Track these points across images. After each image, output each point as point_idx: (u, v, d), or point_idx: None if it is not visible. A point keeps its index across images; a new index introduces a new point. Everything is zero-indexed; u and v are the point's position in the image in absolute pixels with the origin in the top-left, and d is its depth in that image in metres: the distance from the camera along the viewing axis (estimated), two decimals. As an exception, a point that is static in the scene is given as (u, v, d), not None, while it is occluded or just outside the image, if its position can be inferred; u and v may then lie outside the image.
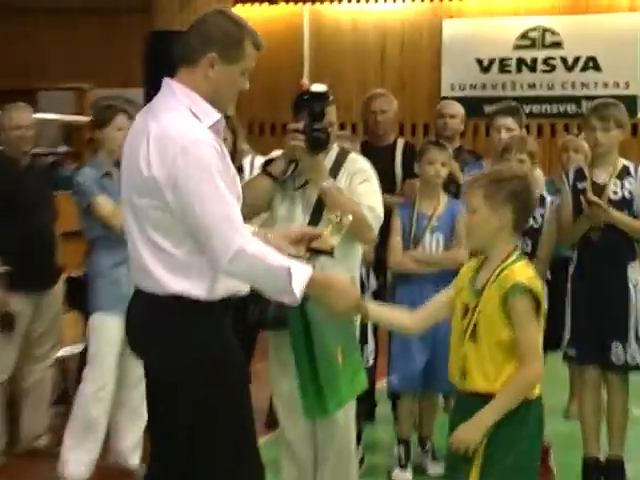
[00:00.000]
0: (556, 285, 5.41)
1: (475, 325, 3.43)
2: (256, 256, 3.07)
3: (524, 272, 3.44)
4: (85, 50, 12.23)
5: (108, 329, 5.17)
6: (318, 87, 4.46)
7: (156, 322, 3.23)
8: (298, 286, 3.09)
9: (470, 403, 3.45)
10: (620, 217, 5.10)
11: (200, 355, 3.18)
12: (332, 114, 4.48)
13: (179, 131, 3.12)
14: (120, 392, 5.34)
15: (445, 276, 5.23)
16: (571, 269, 5.30)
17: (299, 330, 3.46)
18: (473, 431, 3.39)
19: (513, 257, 3.48)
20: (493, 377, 3.41)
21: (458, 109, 6.76)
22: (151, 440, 3.45)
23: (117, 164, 5.32)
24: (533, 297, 3.39)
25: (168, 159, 3.08)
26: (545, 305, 3.47)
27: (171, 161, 3.08)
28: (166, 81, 3.29)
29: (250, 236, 3.15)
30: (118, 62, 11.99)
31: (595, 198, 5.08)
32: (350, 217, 3.60)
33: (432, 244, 5.41)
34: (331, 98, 4.47)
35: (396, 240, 5.42)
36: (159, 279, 3.18)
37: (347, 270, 4.30)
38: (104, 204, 5.17)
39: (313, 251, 3.57)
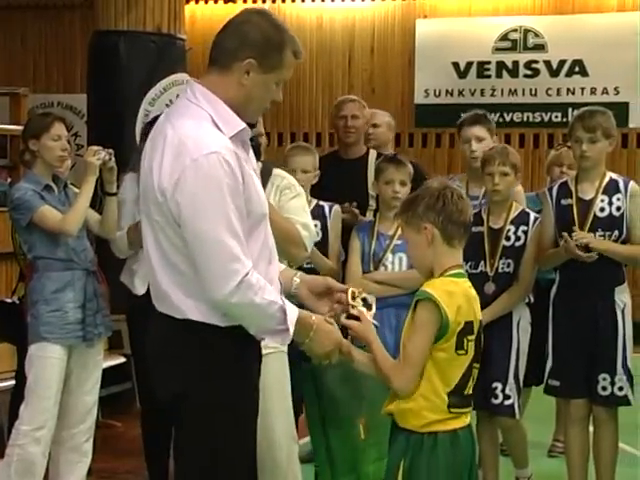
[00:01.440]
0: (539, 309, 5.46)
1: None
2: (254, 290, 3.10)
3: (437, 284, 3.53)
4: (20, 50, 12.18)
5: (50, 361, 5.16)
6: None
7: (173, 348, 3.28)
8: (292, 325, 3.16)
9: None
10: (610, 248, 5.13)
11: (214, 381, 3.23)
12: (261, 124, 4.65)
13: (194, 141, 3.11)
14: (61, 429, 5.32)
15: (406, 302, 5.32)
16: (553, 292, 5.35)
17: (312, 396, 3.52)
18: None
19: (451, 272, 3.57)
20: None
21: (383, 118, 6.88)
22: None
23: (55, 177, 5.35)
24: (437, 309, 3.46)
25: (178, 169, 3.10)
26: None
27: (180, 172, 3.09)
28: (190, 83, 3.30)
29: (251, 266, 3.14)
30: (58, 64, 11.97)
31: (583, 238, 5.12)
32: (372, 298, 3.63)
33: (394, 264, 5.46)
34: None
35: (354, 262, 5.48)
36: (176, 303, 3.21)
37: None
38: (50, 213, 5.17)
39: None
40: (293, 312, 3.19)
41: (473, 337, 3.52)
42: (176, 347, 3.27)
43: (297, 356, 4.39)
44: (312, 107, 10.74)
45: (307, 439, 5.90)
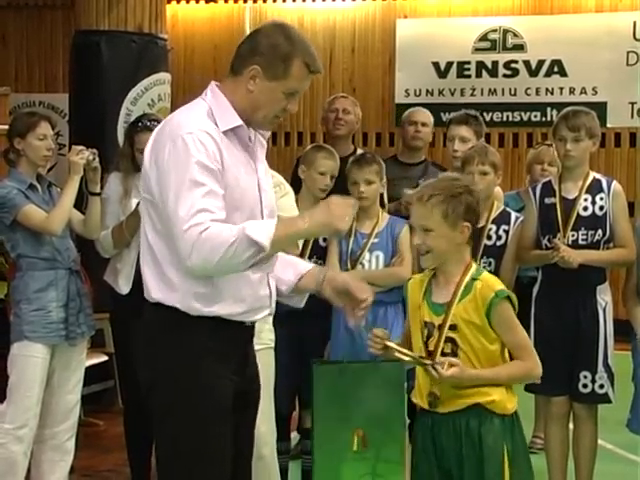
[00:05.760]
0: (520, 307, 5.45)
1: (452, 343, 3.64)
2: (211, 238, 3.12)
3: (497, 281, 3.75)
4: (1, 49, 12.13)
5: (33, 360, 5.13)
6: None
7: (147, 332, 3.40)
8: (262, 235, 3.14)
9: (450, 421, 3.66)
10: (592, 258, 5.14)
11: (168, 365, 3.29)
12: None
13: (177, 123, 3.26)
14: (44, 428, 5.30)
15: (383, 300, 5.37)
16: (535, 290, 5.36)
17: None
18: (464, 378, 3.59)
19: (473, 268, 3.73)
20: (487, 389, 3.65)
21: (428, 116, 6.85)
22: None
23: (39, 177, 5.32)
24: (512, 304, 3.70)
25: (156, 148, 3.24)
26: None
27: (158, 150, 3.23)
28: (210, 84, 3.40)
29: (206, 222, 3.16)
30: (39, 64, 11.91)
31: (565, 251, 5.11)
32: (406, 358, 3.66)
33: (372, 263, 5.47)
34: None
35: (332, 261, 5.48)
36: (149, 285, 3.33)
37: None
38: (35, 212, 5.15)
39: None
40: (266, 223, 3.23)
41: None
42: (150, 331, 3.37)
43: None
44: (293, 106, 10.74)
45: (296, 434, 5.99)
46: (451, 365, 3.54)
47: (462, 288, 3.68)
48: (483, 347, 3.66)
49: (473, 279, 3.69)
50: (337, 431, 3.57)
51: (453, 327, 3.66)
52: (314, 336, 5.49)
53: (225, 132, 3.29)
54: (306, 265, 3.62)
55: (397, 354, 3.59)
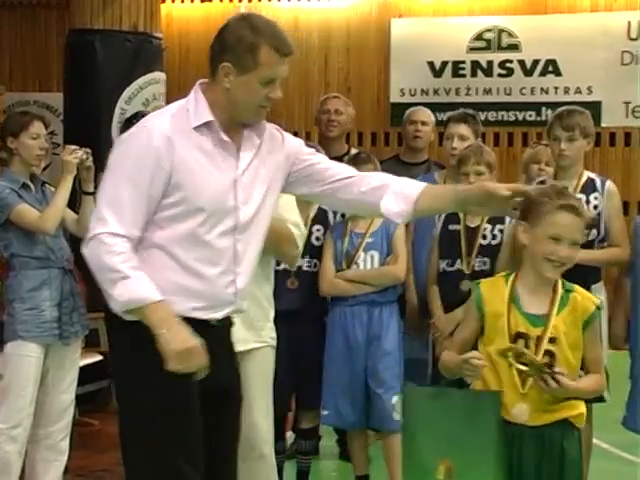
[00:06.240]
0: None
1: (550, 356, 3.57)
2: (100, 248, 3.22)
3: (590, 294, 3.78)
4: (-4, 48, 12.11)
5: (26, 360, 5.12)
6: None
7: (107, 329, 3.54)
8: (123, 296, 3.18)
9: (534, 434, 3.59)
10: (587, 258, 5.12)
11: (129, 364, 3.36)
12: None
13: (141, 122, 3.38)
14: (38, 427, 5.28)
15: (378, 300, 5.36)
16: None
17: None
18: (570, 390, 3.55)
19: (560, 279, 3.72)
20: (574, 402, 3.65)
21: (429, 115, 6.83)
22: None
23: (32, 176, 5.30)
24: None
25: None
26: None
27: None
28: (196, 84, 3.43)
29: (117, 231, 3.23)
30: (34, 63, 11.88)
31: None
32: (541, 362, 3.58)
33: (367, 262, 5.46)
34: None
35: (327, 262, 5.47)
36: None
37: (266, 279, 4.54)
38: (28, 212, 5.13)
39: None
40: (143, 292, 3.19)
41: None
42: (111, 330, 3.49)
43: None
44: (288, 106, 10.71)
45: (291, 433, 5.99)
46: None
47: (559, 299, 3.64)
48: (575, 359, 3.62)
49: (567, 290, 3.66)
50: (424, 456, 3.47)
51: (552, 340, 3.59)
52: (312, 336, 5.48)
53: (198, 129, 3.32)
54: (416, 187, 3.50)
55: (517, 364, 3.49)
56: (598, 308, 3.67)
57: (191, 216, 3.30)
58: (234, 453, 3.63)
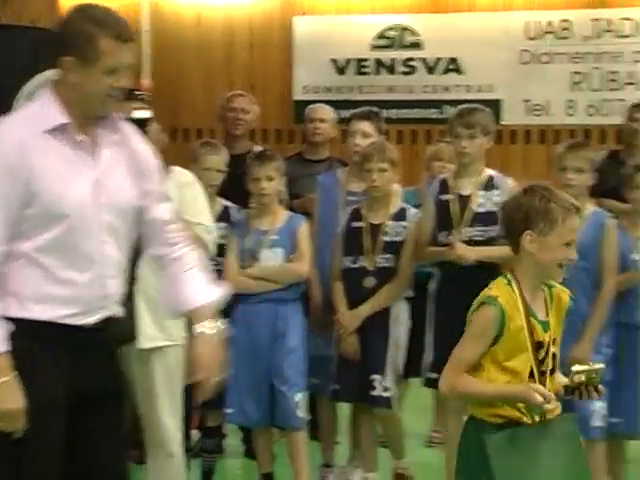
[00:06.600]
0: (417, 303, 5.50)
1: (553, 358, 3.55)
2: None
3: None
4: None
5: None
6: (140, 114, 4.56)
7: None
8: None
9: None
10: (487, 254, 5.18)
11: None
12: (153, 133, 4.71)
13: None
14: None
15: (282, 297, 5.40)
16: (432, 286, 5.39)
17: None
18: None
19: None
20: None
21: (328, 112, 6.85)
22: None
23: None
24: None
25: None
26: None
27: None
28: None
29: None
30: None
31: (460, 249, 5.16)
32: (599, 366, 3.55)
33: (271, 260, 5.45)
34: (151, 122, 4.70)
35: (231, 259, 5.46)
36: None
37: None
38: None
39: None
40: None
41: None
42: None
43: None
44: (192, 103, 10.65)
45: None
46: None
47: (549, 299, 3.58)
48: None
49: (549, 287, 3.59)
50: None
51: (554, 341, 3.56)
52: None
53: (52, 132, 3.24)
54: (203, 299, 3.49)
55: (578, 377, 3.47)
56: (571, 298, 3.64)
57: (55, 223, 3.22)
58: (123, 453, 3.58)
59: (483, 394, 3.51)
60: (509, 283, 3.53)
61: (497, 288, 3.52)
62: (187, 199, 4.70)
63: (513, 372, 3.48)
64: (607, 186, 5.70)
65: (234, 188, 5.76)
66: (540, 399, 3.34)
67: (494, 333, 3.47)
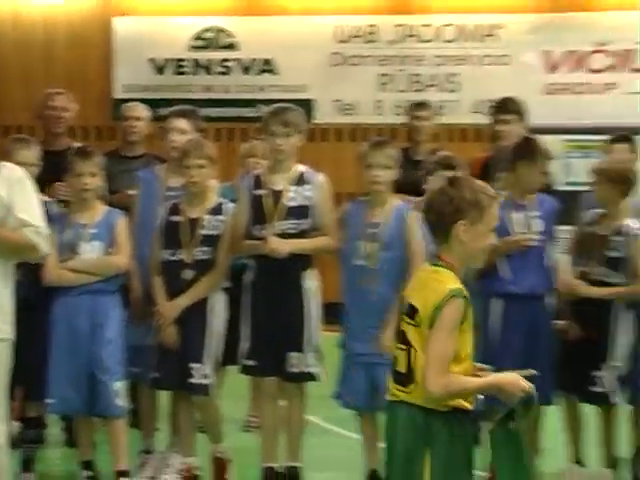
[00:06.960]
0: (233, 293, 5.67)
1: None
2: None
3: None
4: None
5: None
6: None
7: None
8: None
9: None
10: (299, 247, 5.41)
11: None
12: None
13: None
14: None
15: (100, 289, 5.51)
16: (248, 277, 5.58)
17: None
18: None
19: None
20: None
21: (142, 110, 6.98)
22: None
23: None
24: None
25: None
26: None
27: None
28: None
29: None
30: None
31: (273, 243, 5.36)
32: None
33: (90, 253, 5.54)
34: None
35: (50, 254, 5.49)
36: None
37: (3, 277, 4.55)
38: None
39: None
40: None
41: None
42: None
43: None
44: (10, 100, 10.55)
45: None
46: None
47: None
48: None
49: None
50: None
51: None
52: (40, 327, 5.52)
53: None
54: None
55: None
56: None
57: None
58: None
59: (477, 388, 3.51)
60: (451, 272, 3.55)
61: (451, 279, 3.54)
62: (18, 195, 4.61)
63: (464, 359, 3.52)
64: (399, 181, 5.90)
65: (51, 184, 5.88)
66: (527, 386, 3.44)
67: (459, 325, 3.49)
